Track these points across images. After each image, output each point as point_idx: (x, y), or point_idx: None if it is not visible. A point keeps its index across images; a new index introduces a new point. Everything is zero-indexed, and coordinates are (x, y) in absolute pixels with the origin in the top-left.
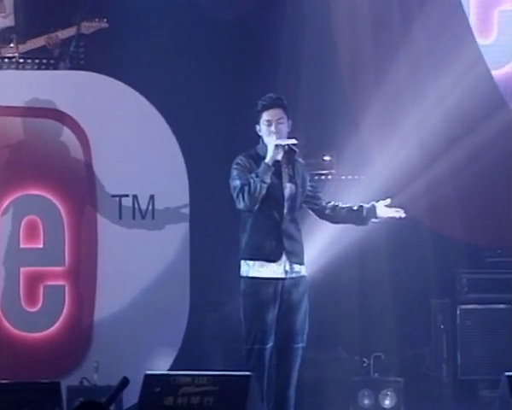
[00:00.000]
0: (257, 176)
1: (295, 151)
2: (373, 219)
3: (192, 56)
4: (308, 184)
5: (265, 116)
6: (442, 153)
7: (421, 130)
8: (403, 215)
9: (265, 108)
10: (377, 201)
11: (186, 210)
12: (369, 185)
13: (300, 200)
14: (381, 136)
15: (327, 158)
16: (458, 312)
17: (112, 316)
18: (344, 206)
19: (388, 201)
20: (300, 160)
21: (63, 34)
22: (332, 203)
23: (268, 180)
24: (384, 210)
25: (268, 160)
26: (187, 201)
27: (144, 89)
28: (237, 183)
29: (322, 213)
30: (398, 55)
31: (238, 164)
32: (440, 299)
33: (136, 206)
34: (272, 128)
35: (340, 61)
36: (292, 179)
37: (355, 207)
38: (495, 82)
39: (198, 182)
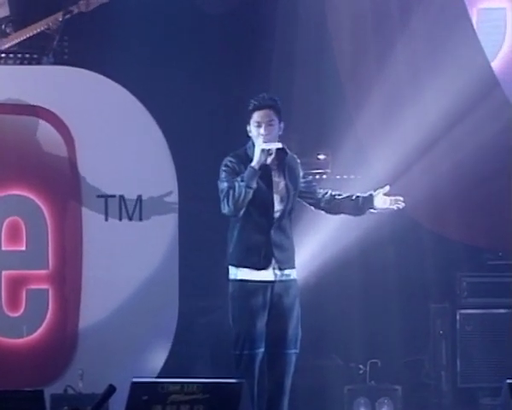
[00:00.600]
0: (242, 180)
1: (287, 153)
2: (371, 209)
3: (181, 51)
4: (301, 181)
5: (256, 117)
6: (442, 151)
7: (420, 127)
8: (401, 205)
9: (256, 108)
10: (375, 190)
11: (175, 211)
12: (366, 185)
13: (292, 203)
14: (378, 134)
15: (322, 157)
16: (458, 317)
17: (97, 321)
18: (340, 196)
19: (387, 188)
20: (294, 155)
21: (53, 21)
22: (328, 194)
23: (254, 185)
24: (382, 200)
25: (254, 164)
26: (176, 201)
27: (131, 85)
28: (224, 186)
29: (317, 206)
30: (396, 50)
31: (226, 166)
32: (439, 303)
33: (123, 207)
34: (261, 130)
35: (335, 56)
36: (282, 182)
37: (352, 197)
38: (496, 76)
39: (187, 182)
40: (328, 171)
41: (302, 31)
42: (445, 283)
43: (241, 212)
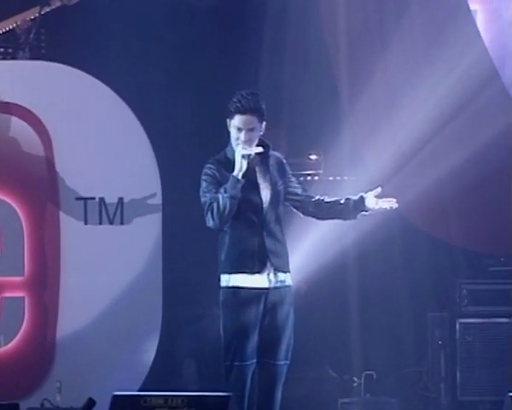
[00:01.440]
0: (225, 191)
1: (269, 147)
2: (362, 212)
3: (165, 46)
4: (288, 179)
5: (236, 121)
6: (440, 150)
7: (417, 125)
8: (395, 206)
9: (238, 111)
10: (366, 192)
11: (158, 214)
12: (360, 187)
13: (281, 201)
14: (373, 132)
15: (313, 157)
16: (458, 326)
17: (76, 331)
18: (329, 200)
19: (378, 190)
20: (276, 153)
21: (31, 14)
22: (317, 198)
23: (238, 195)
24: (374, 201)
25: (236, 172)
26: (159, 204)
27: (113, 81)
28: (206, 198)
29: (305, 210)
30: (391, 44)
31: (206, 175)
32: (438, 312)
33: (104, 210)
34: (242, 136)
35: (328, 50)
36: (268, 183)
37: (342, 201)
38: (496, 68)
39: (172, 183)
40: (321, 172)
41: (293, 23)
42: (443, 290)
43: (227, 224)
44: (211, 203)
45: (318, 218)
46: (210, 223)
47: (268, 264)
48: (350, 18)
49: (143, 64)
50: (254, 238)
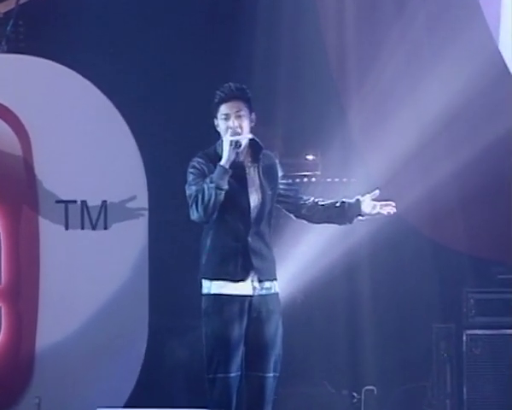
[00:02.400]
0: (211, 181)
1: (261, 147)
2: (358, 217)
3: (151, 38)
4: (280, 181)
5: (223, 109)
6: (444, 151)
7: (420, 125)
8: (392, 211)
9: (222, 100)
10: (363, 195)
11: (144, 219)
12: (360, 189)
13: (270, 205)
14: (373, 132)
15: (310, 157)
16: (464, 338)
17: (57, 343)
18: (324, 203)
19: (376, 193)
20: (269, 153)
21: (8, 4)
22: (311, 200)
23: (225, 186)
24: (371, 205)
25: (223, 161)
26: (145, 207)
27: (96, 77)
28: (192, 190)
29: (298, 213)
30: (393, 37)
31: (194, 167)
32: (443, 323)
33: (86, 214)
34: (230, 123)
35: (325, 45)
36: (257, 181)
37: (337, 204)
38: (507, 67)
39: (159, 185)
40: (318, 173)
41: (287, 16)
42: (449, 300)
43: (213, 217)
44: (196, 195)
45: (311, 221)
46: (194, 215)
47: (252, 272)
48: (349, 13)
49: (129, 59)
50: (238, 242)
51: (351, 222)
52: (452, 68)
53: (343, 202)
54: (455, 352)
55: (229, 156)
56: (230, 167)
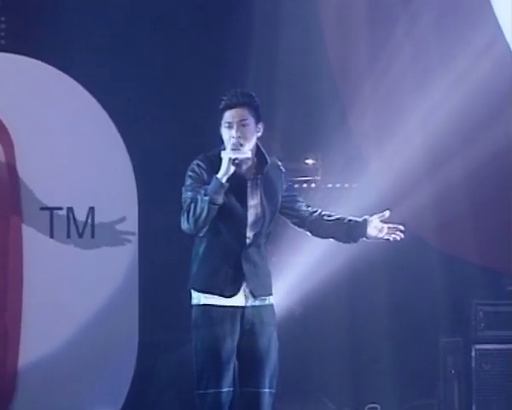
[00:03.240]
0: (205, 194)
1: (267, 160)
2: (363, 238)
3: (141, 35)
4: (284, 194)
5: (226, 117)
6: (452, 156)
7: (427, 128)
8: (400, 237)
9: (227, 107)
10: (372, 214)
11: (134, 227)
12: (362, 196)
13: (270, 219)
14: (376, 135)
15: (310, 162)
16: (473, 353)
17: (41, 357)
18: (330, 218)
19: (386, 214)
20: (276, 161)
21: None
22: (316, 214)
23: (219, 201)
24: (378, 228)
25: (220, 175)
26: (135, 215)
27: (82, 75)
28: (187, 196)
29: (302, 225)
30: (397, 37)
31: (193, 171)
32: (451, 337)
33: (72, 221)
34: (233, 132)
35: (326, 45)
36: (259, 196)
37: (344, 221)
38: None
39: (149, 191)
40: (318, 178)
41: (286, 14)
42: (457, 312)
43: (203, 230)
44: (189, 205)
45: (315, 235)
46: (184, 225)
47: (245, 288)
48: (351, 11)
49: (116, 57)
50: (231, 256)
51: (355, 241)
52: (460, 70)
53: (350, 220)
54: (463, 368)
55: (226, 171)
56: (229, 180)
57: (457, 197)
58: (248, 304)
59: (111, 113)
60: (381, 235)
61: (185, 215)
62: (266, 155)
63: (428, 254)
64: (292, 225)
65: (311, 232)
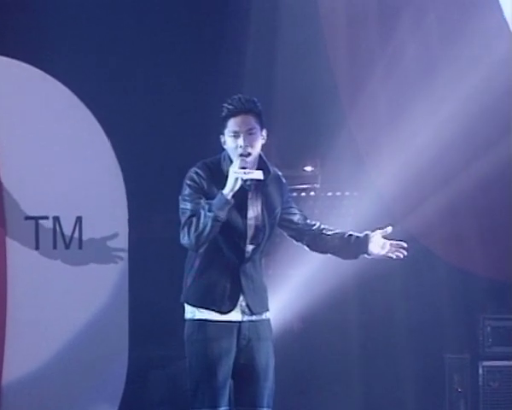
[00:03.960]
0: (210, 210)
1: (270, 171)
2: (364, 255)
3: (132, 37)
4: (285, 203)
5: (231, 125)
6: (461, 163)
7: (433, 133)
8: (402, 255)
9: (231, 114)
10: (374, 230)
11: (124, 237)
12: (364, 205)
13: (269, 232)
14: (379, 140)
15: (309, 169)
16: (480, 370)
17: (26, 375)
18: (329, 233)
19: (388, 230)
20: (277, 172)
21: None
22: (316, 228)
23: (223, 217)
24: (380, 244)
25: (227, 192)
26: (125, 226)
27: (69, 78)
28: (186, 207)
29: (300, 240)
30: (401, 35)
31: (192, 180)
32: (457, 354)
33: (59, 231)
34: (240, 141)
35: (327, 47)
36: (259, 209)
37: (344, 236)
38: None
39: (139, 201)
40: (317, 186)
41: (287, 23)
42: (464, 327)
43: (203, 247)
44: (190, 217)
45: (313, 250)
46: (184, 240)
47: (241, 303)
48: (353, 11)
49: (103, 57)
50: (228, 272)
51: (356, 258)
52: (465, 70)
53: (350, 234)
54: (470, 385)
55: (233, 187)
56: (233, 197)
57: (465, 208)
58: (245, 319)
59: (97, 115)
60: (383, 252)
61: (186, 230)
62: (269, 165)
63: (434, 267)
64: (289, 238)
65: (308, 247)
